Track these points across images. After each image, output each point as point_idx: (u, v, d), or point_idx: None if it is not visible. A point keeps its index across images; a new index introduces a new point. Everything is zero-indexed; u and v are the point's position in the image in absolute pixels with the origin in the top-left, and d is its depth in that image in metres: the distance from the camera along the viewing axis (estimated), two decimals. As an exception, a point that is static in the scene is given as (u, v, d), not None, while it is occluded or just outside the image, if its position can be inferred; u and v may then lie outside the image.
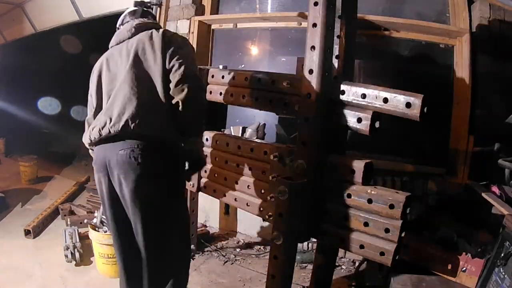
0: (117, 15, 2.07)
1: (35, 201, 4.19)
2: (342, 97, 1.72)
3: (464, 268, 2.12)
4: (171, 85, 1.76)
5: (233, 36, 3.76)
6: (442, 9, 2.98)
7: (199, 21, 3.61)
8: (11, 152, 6.00)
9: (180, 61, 1.76)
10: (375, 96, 1.64)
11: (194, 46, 3.61)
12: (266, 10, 3.58)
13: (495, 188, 2.39)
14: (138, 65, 1.79)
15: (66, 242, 2.96)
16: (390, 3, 3.17)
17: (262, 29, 3.59)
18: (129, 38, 1.88)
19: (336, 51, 1.83)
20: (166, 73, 1.77)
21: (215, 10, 3.73)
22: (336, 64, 1.85)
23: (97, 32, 6.27)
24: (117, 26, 2.02)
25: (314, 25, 1.63)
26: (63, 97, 7.37)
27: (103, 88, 1.90)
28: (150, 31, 1.85)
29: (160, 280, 1.88)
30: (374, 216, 1.62)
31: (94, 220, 2.91)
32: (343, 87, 1.72)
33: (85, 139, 1.95)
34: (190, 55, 1.86)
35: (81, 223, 3.41)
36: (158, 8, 3.80)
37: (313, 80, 1.65)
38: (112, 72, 1.87)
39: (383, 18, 2.93)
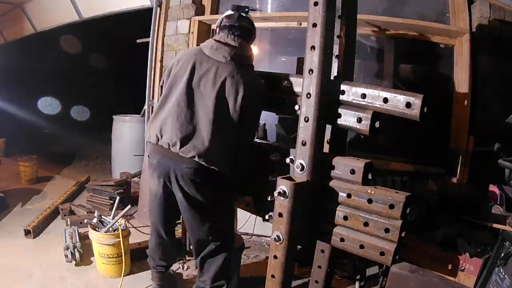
0: (117, 15, 2.07)
1: (35, 201, 4.19)
2: (342, 97, 1.72)
3: (463, 268, 2.12)
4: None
5: (233, 36, 3.75)
6: (442, 9, 2.98)
7: (199, 21, 3.61)
8: (11, 152, 6.00)
9: (252, 122, 2.07)
10: (375, 96, 1.63)
11: (194, 46, 3.61)
12: (266, 10, 3.58)
13: (495, 188, 2.39)
14: (221, 100, 1.95)
15: (66, 242, 2.96)
16: (390, 3, 3.17)
17: (262, 29, 3.59)
18: (221, 62, 1.98)
19: (336, 51, 1.83)
20: (240, 116, 1.97)
21: (215, 10, 3.73)
22: (336, 64, 1.85)
23: (97, 32, 6.32)
24: (216, 26, 2.14)
25: (314, 25, 1.63)
26: (63, 97, 7.39)
27: (176, 86, 2.02)
28: (242, 70, 1.99)
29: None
30: (374, 216, 1.62)
31: (94, 220, 2.91)
32: (343, 87, 1.72)
33: (146, 136, 2.13)
34: (260, 105, 2.07)
35: (81, 223, 3.41)
36: (158, 8, 3.80)
37: (313, 80, 1.65)
38: (193, 81, 1.99)
39: (383, 18, 2.93)
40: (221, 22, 2.09)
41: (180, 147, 1.92)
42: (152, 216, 2.31)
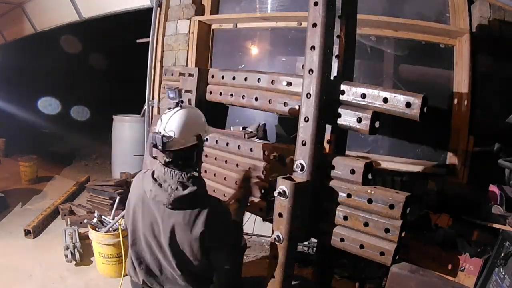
0: (117, 15, 2.07)
1: (35, 201, 4.19)
2: (342, 97, 1.72)
3: (463, 268, 2.12)
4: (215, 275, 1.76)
5: (233, 36, 3.76)
6: (442, 9, 2.98)
7: (199, 21, 3.61)
8: (11, 152, 6.00)
9: (222, 261, 1.73)
10: (375, 96, 1.63)
11: (194, 46, 3.61)
12: (266, 10, 3.58)
13: (495, 188, 2.39)
14: (176, 248, 1.62)
15: (66, 242, 2.96)
16: (390, 3, 3.17)
17: (262, 29, 3.59)
18: (165, 205, 1.59)
19: (336, 51, 1.83)
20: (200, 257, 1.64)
21: (215, 10, 3.73)
22: (336, 64, 1.85)
23: (97, 32, 6.32)
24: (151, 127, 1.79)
25: (314, 25, 1.63)
26: (63, 97, 7.39)
27: (137, 232, 1.72)
28: (189, 214, 1.58)
29: None
30: (374, 216, 1.61)
31: (94, 220, 2.91)
32: (343, 87, 1.72)
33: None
34: (231, 249, 1.75)
35: (81, 223, 3.41)
36: (158, 8, 3.80)
37: (313, 80, 1.65)
38: (145, 229, 1.68)
39: (383, 18, 2.93)
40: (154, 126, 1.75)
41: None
42: None
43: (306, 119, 1.67)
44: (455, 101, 2.91)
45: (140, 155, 4.60)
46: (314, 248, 3.10)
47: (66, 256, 2.81)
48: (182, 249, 1.62)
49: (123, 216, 2.80)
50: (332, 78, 1.80)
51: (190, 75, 2.37)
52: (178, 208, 1.59)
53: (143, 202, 1.67)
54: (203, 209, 1.59)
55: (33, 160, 4.95)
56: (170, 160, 1.64)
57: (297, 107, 1.82)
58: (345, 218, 1.69)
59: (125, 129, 4.96)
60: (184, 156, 1.65)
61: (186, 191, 1.58)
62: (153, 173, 1.66)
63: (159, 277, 1.70)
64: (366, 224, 1.63)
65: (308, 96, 1.66)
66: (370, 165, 1.65)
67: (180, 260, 1.63)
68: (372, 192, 1.60)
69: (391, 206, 1.55)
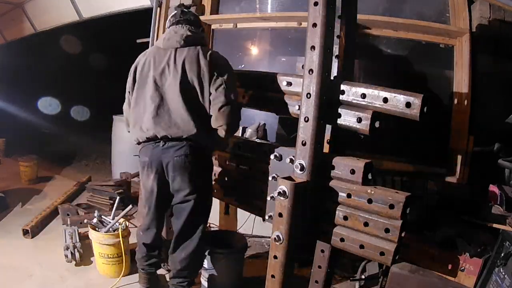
0: (117, 15, 2.10)
1: (35, 201, 4.19)
2: (342, 97, 1.72)
3: (463, 268, 2.12)
4: (214, 108, 2.01)
5: (233, 36, 3.75)
6: (442, 9, 2.98)
7: (199, 21, 3.60)
8: (11, 152, 6.00)
9: (223, 86, 2.01)
10: (375, 96, 1.64)
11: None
12: (266, 10, 3.58)
13: (495, 188, 2.39)
14: (186, 80, 2.02)
15: (66, 242, 2.96)
16: (390, 3, 3.17)
17: (262, 29, 3.58)
18: (177, 47, 2.08)
19: (336, 51, 1.83)
20: (209, 93, 2.02)
21: (215, 10, 3.72)
22: (336, 64, 1.85)
23: (97, 32, 6.32)
24: (166, 27, 2.24)
25: (314, 25, 1.63)
26: (63, 97, 7.38)
27: (144, 86, 2.13)
28: (198, 48, 2.07)
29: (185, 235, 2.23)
30: (374, 216, 1.62)
31: (94, 220, 2.91)
32: (343, 87, 1.72)
33: (133, 138, 2.25)
34: (232, 80, 2.07)
35: (81, 223, 3.41)
36: (158, 8, 3.79)
37: (313, 80, 1.65)
38: (157, 74, 2.09)
39: (383, 18, 2.93)
40: (169, 22, 2.21)
41: (163, 137, 2.06)
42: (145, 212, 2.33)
43: (306, 119, 1.67)
44: (455, 101, 2.91)
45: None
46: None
47: (66, 256, 2.81)
48: (192, 83, 2.02)
49: (123, 216, 2.80)
50: (332, 78, 1.80)
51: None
52: (191, 44, 2.07)
53: (153, 55, 2.12)
54: (210, 49, 2.12)
55: (33, 160, 4.94)
56: (182, 19, 2.15)
57: (297, 107, 1.82)
58: (345, 218, 1.69)
59: (125, 129, 4.94)
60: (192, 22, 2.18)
61: (196, 31, 2.14)
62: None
63: (166, 122, 2.04)
64: (366, 224, 1.63)
65: (308, 96, 1.66)
66: (370, 165, 1.65)
67: (188, 96, 2.01)
68: (372, 192, 1.60)
69: (391, 206, 1.55)
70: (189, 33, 2.10)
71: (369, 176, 1.65)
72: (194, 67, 2.02)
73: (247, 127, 3.08)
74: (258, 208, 2.07)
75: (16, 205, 3.98)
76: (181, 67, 2.03)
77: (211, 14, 3.68)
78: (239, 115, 2.11)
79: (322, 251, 1.97)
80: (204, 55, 2.04)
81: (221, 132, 2.04)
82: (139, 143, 2.23)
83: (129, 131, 2.32)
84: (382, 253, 1.60)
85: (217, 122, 2.02)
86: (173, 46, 2.09)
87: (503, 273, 1.94)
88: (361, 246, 1.65)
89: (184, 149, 2.05)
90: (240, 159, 2.20)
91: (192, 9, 2.33)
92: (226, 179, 2.33)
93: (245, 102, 2.23)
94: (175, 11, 2.23)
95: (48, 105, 7.32)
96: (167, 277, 2.77)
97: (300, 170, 1.69)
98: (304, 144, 1.68)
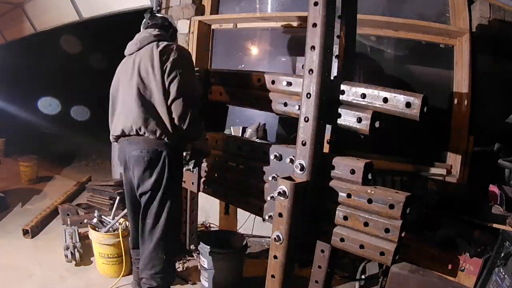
0: (117, 15, 2.10)
1: (35, 201, 4.19)
2: (342, 97, 1.72)
3: (463, 268, 2.12)
4: (169, 102, 2.00)
5: (233, 36, 3.76)
6: (442, 9, 2.98)
7: (199, 21, 3.60)
8: (11, 152, 6.00)
9: (177, 78, 1.99)
10: (375, 96, 1.63)
11: (194, 46, 3.61)
12: (266, 10, 3.58)
13: (495, 188, 2.39)
14: (141, 81, 2.03)
15: (66, 242, 2.96)
16: (390, 3, 3.17)
17: (262, 29, 3.59)
18: (136, 51, 2.12)
19: (336, 51, 1.83)
20: (165, 88, 2.00)
21: (215, 10, 3.73)
22: (336, 64, 1.85)
23: (97, 32, 6.32)
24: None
25: (314, 25, 1.63)
26: (63, 97, 7.38)
27: (116, 95, 2.21)
28: (151, 45, 2.06)
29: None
30: (374, 216, 1.61)
31: (94, 220, 2.91)
32: (343, 87, 1.72)
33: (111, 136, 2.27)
34: (186, 71, 2.04)
35: (81, 223, 3.41)
36: (158, 8, 3.80)
37: (313, 80, 1.65)
38: (122, 82, 2.16)
39: (383, 18, 2.93)
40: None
41: (123, 127, 2.08)
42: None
43: (306, 119, 1.67)
44: (455, 101, 2.91)
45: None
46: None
47: (66, 256, 2.81)
48: (147, 80, 2.01)
49: (123, 216, 2.80)
50: (332, 78, 1.80)
51: (190, 75, 2.37)
52: (145, 43, 2.08)
53: (121, 66, 2.22)
54: (173, 44, 2.10)
55: (33, 160, 4.94)
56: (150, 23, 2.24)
57: (297, 107, 1.82)
58: (345, 218, 1.69)
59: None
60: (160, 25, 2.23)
61: (162, 34, 2.16)
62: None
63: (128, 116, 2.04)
64: (366, 224, 1.63)
65: (308, 96, 1.66)
66: (370, 165, 1.65)
67: (147, 94, 2.02)
68: (372, 192, 1.60)
69: (391, 206, 1.55)
70: (143, 36, 2.13)
71: (369, 176, 1.65)
72: (148, 64, 2.01)
73: (247, 127, 3.08)
74: (258, 208, 2.07)
75: (16, 205, 3.98)
76: (137, 70, 2.05)
77: (211, 14, 3.68)
78: (194, 109, 2.04)
79: (322, 251, 1.97)
80: (156, 51, 2.01)
81: (179, 126, 2.02)
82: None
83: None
84: (382, 253, 1.60)
85: (173, 115, 2.01)
86: (132, 51, 2.14)
87: (503, 273, 1.94)
88: (361, 246, 1.65)
89: (141, 145, 2.03)
90: (240, 159, 2.20)
91: (163, 12, 2.42)
92: (225, 179, 2.33)
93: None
94: (144, 18, 2.29)
95: (48, 105, 7.31)
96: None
97: (300, 170, 1.69)
98: (304, 144, 1.68)
